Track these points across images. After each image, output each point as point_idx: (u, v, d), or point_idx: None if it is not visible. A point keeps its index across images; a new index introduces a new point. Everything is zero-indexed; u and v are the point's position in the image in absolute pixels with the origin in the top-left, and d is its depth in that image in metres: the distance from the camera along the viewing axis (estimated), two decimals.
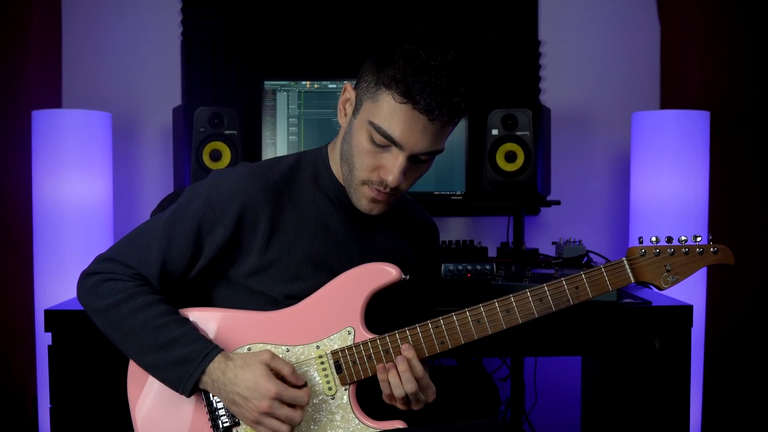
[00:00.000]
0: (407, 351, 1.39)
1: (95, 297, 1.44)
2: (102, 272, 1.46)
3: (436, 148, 1.38)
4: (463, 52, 1.34)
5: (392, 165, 1.36)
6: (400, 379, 1.38)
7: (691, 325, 1.96)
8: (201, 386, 1.39)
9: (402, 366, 1.38)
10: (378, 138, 1.35)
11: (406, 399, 1.41)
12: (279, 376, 1.36)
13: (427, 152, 1.37)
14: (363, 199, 1.43)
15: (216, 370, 1.37)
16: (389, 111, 1.33)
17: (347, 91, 1.43)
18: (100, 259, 1.49)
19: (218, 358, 1.37)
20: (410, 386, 1.38)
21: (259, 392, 1.33)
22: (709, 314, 2.75)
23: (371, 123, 1.35)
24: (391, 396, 1.41)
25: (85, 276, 1.48)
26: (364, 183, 1.41)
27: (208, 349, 1.38)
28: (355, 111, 1.40)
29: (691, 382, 2.00)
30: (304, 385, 1.39)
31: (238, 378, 1.35)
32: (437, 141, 1.37)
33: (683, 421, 1.97)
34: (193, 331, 1.41)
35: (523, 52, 3.01)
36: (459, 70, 1.31)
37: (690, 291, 2.54)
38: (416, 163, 1.39)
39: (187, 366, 1.37)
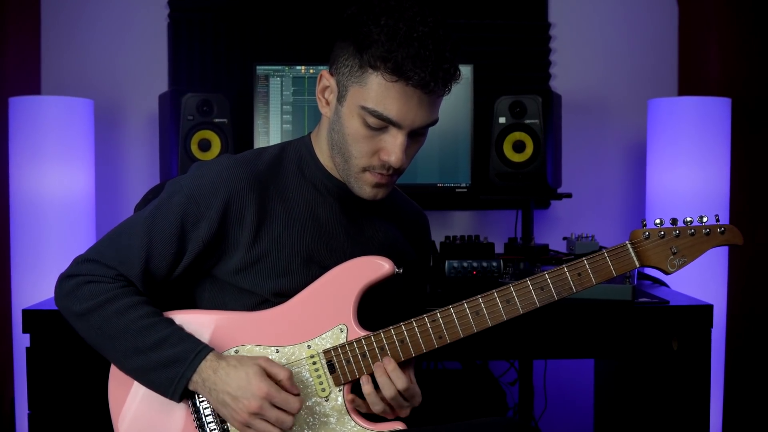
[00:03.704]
0: (389, 364, 1.41)
1: (75, 300, 1.43)
2: (82, 274, 1.45)
3: (433, 119, 1.42)
4: (436, 14, 1.36)
5: (393, 145, 1.39)
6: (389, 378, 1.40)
7: (711, 326, 1.96)
8: (191, 387, 1.39)
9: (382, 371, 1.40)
10: (373, 121, 1.37)
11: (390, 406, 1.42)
12: (274, 381, 1.37)
13: (425, 125, 1.41)
14: (366, 186, 1.44)
15: (207, 369, 1.37)
16: (381, 92, 1.35)
17: (324, 78, 1.45)
18: (79, 261, 1.48)
19: (210, 357, 1.38)
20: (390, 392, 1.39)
21: (250, 391, 1.33)
22: (730, 314, 2.74)
23: (363, 108, 1.37)
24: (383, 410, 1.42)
25: (64, 279, 1.47)
26: (364, 170, 1.43)
27: (199, 347, 1.39)
28: (340, 98, 1.42)
29: (712, 386, 2.00)
30: (298, 394, 1.39)
31: (230, 376, 1.35)
32: (433, 112, 1.41)
33: (703, 428, 1.97)
34: (181, 330, 1.42)
35: (532, 35, 3.00)
36: (441, 35, 1.34)
37: (710, 289, 2.54)
38: (414, 137, 1.42)
39: (177, 366, 1.37)
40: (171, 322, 1.43)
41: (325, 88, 1.45)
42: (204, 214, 1.42)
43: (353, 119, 1.39)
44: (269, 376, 1.36)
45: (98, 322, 1.41)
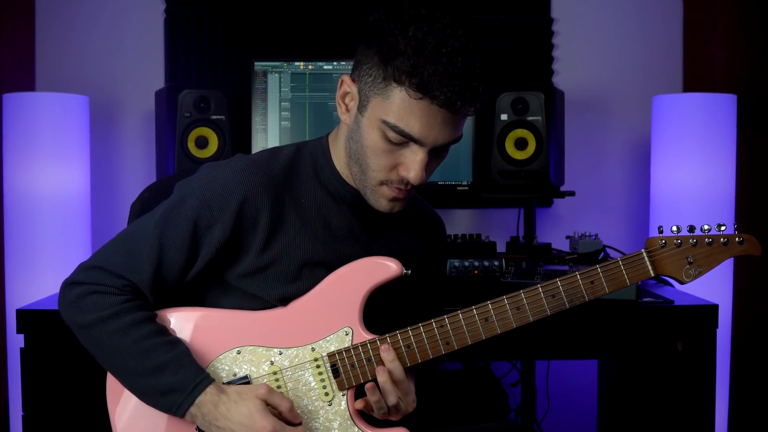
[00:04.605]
0: (386, 352, 1.39)
1: (78, 311, 1.41)
2: (87, 283, 1.42)
3: (457, 137, 1.38)
4: (469, 26, 1.32)
5: (413, 162, 1.36)
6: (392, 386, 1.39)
7: (717, 326, 1.96)
8: (188, 417, 1.37)
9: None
10: (394, 136, 1.34)
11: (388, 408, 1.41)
12: (275, 412, 1.35)
13: (448, 143, 1.37)
14: (382, 199, 1.42)
15: (207, 403, 1.35)
16: (404, 108, 1.31)
17: (345, 84, 1.42)
18: (85, 267, 1.44)
19: (210, 390, 1.36)
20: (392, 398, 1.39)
21: (254, 429, 1.32)
22: (736, 314, 2.74)
23: (384, 122, 1.33)
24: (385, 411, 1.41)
25: (68, 286, 1.44)
26: (382, 183, 1.40)
27: (199, 378, 1.36)
28: (362, 108, 1.38)
29: (717, 387, 2.00)
30: (300, 423, 1.38)
31: (231, 412, 1.33)
32: (457, 130, 1.37)
33: (708, 429, 1.97)
34: (183, 356, 1.39)
35: (535, 30, 2.99)
36: (472, 50, 1.30)
37: (715, 289, 2.53)
38: (435, 153, 1.39)
39: (175, 396, 1.36)
40: (174, 344, 1.40)
41: (346, 94, 1.42)
42: (218, 219, 1.40)
43: (373, 132, 1.36)
44: (270, 405, 1.35)
45: (100, 337, 1.39)
